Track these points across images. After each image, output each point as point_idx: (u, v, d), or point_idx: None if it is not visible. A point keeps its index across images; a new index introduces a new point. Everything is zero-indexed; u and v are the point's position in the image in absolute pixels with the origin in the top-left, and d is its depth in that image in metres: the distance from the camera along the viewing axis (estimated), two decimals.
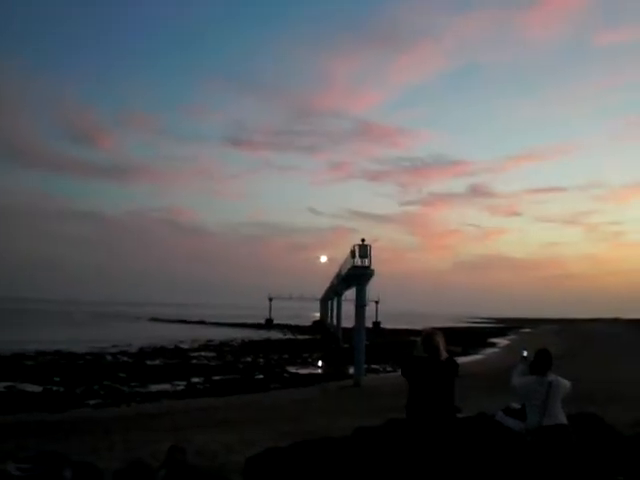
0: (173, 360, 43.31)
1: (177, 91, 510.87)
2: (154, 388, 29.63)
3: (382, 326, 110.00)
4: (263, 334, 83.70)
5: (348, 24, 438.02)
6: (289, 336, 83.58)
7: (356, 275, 33.50)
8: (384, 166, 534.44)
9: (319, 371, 41.04)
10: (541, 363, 7.09)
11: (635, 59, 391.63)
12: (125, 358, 43.94)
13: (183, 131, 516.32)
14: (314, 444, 8.14)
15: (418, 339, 6.76)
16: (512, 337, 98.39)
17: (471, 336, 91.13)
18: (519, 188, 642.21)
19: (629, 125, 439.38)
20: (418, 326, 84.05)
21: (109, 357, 44.27)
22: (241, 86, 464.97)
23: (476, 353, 59.36)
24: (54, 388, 28.52)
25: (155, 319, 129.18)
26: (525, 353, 7.53)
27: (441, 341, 6.60)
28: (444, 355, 6.55)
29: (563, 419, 6.88)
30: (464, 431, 6.90)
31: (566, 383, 7.06)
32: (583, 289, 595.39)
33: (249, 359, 45.94)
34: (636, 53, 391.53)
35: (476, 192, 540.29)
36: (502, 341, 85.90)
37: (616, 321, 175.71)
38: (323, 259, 75.42)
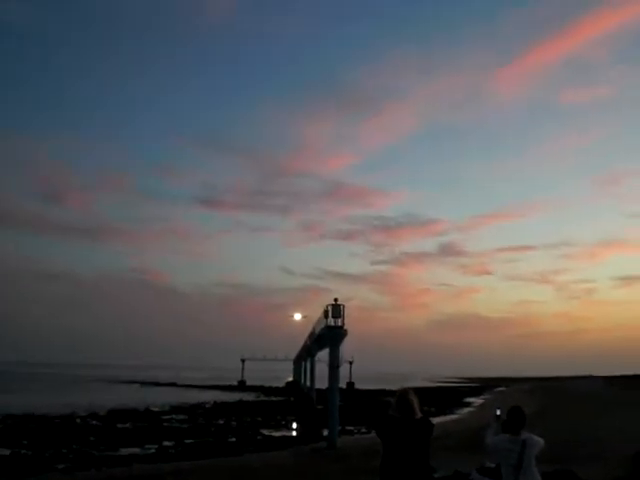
0: (144, 423, 42.50)
1: (151, 152, 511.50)
2: (125, 452, 29.02)
3: (356, 387, 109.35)
4: (236, 396, 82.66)
5: (318, 87, 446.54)
6: (262, 398, 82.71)
7: (329, 335, 33.35)
8: (356, 226, 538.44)
9: (293, 433, 40.56)
10: (514, 422, 7.13)
11: (603, 116, 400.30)
12: (95, 421, 43.10)
13: (156, 191, 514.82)
14: None
15: (392, 399, 6.78)
16: (487, 396, 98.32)
17: (446, 396, 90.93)
18: (489, 247, 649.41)
19: (597, 183, 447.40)
20: (393, 386, 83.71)
21: (79, 420, 43.41)
22: (213, 147, 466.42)
23: (451, 413, 59.24)
24: (22, 451, 27.86)
25: (127, 381, 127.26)
26: (498, 412, 7.57)
27: (415, 400, 6.62)
28: (418, 414, 6.57)
29: (538, 477, 6.90)
30: None
31: (540, 441, 7.10)
32: (556, 347, 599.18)
33: (222, 422, 45.27)
34: (601, 112, 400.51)
35: (447, 251, 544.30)
36: (477, 400, 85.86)
37: (590, 378, 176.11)
38: (297, 317, 74.87)
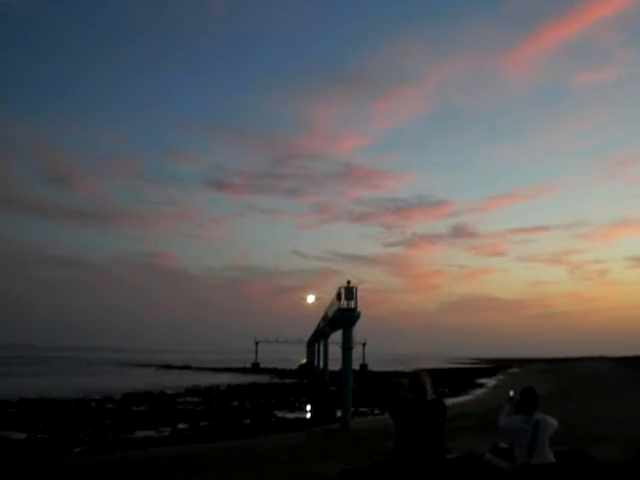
0: (158, 406, 42.80)
1: (159, 135, 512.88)
2: (139, 434, 29.23)
3: (369, 368, 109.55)
4: (250, 378, 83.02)
5: (329, 70, 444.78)
6: (276, 380, 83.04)
7: (342, 317, 33.37)
8: (368, 208, 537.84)
9: (307, 415, 40.71)
10: (527, 402, 7.11)
11: (613, 98, 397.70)
12: (110, 404, 43.41)
13: (165, 175, 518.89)
14: None
15: (405, 381, 6.76)
16: (500, 377, 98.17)
17: (459, 377, 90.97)
18: (502, 228, 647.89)
19: (610, 163, 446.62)
20: (406, 368, 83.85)
21: (93, 403, 43.70)
22: (223, 130, 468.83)
23: (465, 394, 59.27)
24: (38, 435, 28.07)
25: (141, 365, 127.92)
26: (512, 393, 7.56)
27: (428, 382, 6.60)
28: (431, 396, 6.55)
29: (551, 458, 6.89)
30: (453, 472, 6.87)
31: (553, 421, 7.08)
32: (568, 328, 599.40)
33: (236, 404, 45.48)
34: (614, 92, 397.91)
35: (460, 232, 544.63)
36: (490, 381, 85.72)
37: (602, 359, 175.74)
38: (310, 299, 74.74)
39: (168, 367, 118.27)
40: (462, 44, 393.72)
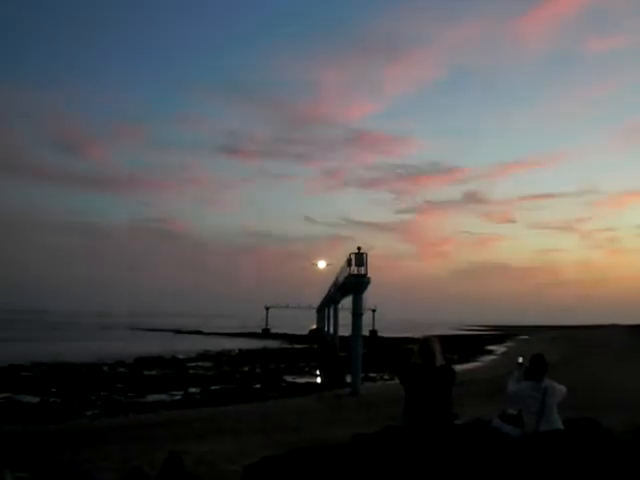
0: (170, 370, 43.24)
1: (169, 100, 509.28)
2: (151, 398, 29.59)
3: (379, 334, 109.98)
4: (260, 343, 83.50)
5: (339, 34, 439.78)
6: (286, 345, 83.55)
7: (352, 283, 33.47)
8: (378, 173, 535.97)
9: (316, 380, 41.01)
10: (536, 369, 7.12)
11: (627, 65, 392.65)
12: (122, 369, 43.89)
13: (175, 141, 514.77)
14: (311, 452, 8.14)
15: (415, 346, 6.77)
16: (509, 344, 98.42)
17: (468, 343, 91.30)
18: (513, 195, 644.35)
19: (622, 131, 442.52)
20: (415, 334, 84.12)
21: (106, 368, 44.12)
22: (234, 95, 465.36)
23: (474, 360, 59.51)
24: (51, 399, 28.43)
25: (150, 329, 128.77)
26: (521, 360, 7.56)
27: (437, 348, 6.60)
28: (440, 361, 6.56)
29: (559, 424, 6.91)
30: (461, 437, 6.90)
31: (562, 388, 7.09)
32: (579, 295, 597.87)
33: (246, 369, 45.88)
34: (628, 59, 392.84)
35: (471, 199, 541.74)
36: (499, 348, 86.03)
37: (613, 327, 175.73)
38: (321, 264, 74.87)
39: (180, 332, 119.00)
40: (476, 8, 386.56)
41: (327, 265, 69.77)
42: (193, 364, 49.30)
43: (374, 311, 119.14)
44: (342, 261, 38.20)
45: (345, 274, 35.76)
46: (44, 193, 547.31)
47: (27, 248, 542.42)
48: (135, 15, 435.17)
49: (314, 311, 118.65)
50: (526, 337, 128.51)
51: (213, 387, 33.79)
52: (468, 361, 57.20)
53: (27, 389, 31.04)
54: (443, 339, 7.70)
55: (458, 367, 38.65)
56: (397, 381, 7.22)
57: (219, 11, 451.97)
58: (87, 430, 19.83)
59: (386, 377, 40.14)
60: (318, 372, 45.71)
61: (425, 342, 6.63)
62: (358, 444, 8.29)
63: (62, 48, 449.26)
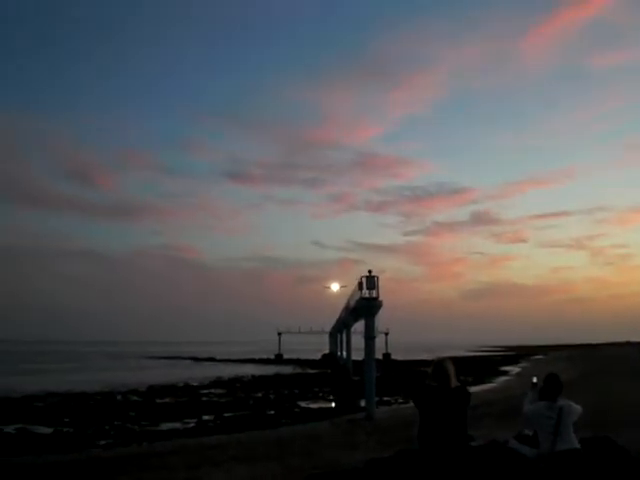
0: (183, 398, 43.13)
1: (175, 128, 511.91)
2: (165, 426, 29.52)
3: (392, 357, 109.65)
4: (273, 369, 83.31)
5: (343, 57, 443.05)
6: (299, 370, 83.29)
7: (364, 307, 33.36)
8: (386, 197, 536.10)
9: (330, 405, 40.80)
10: (551, 389, 7.09)
11: (631, 81, 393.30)
12: (135, 397, 43.80)
13: (183, 168, 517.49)
14: (326, 477, 8.10)
15: (429, 369, 6.76)
16: (524, 365, 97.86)
17: (483, 365, 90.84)
18: (523, 214, 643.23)
19: (630, 147, 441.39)
20: (429, 356, 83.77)
21: (119, 396, 44.08)
22: (239, 121, 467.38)
23: (488, 381, 59.17)
24: (64, 429, 28.37)
25: (162, 357, 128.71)
26: (535, 380, 7.54)
27: (451, 369, 6.60)
28: (455, 383, 6.55)
29: (575, 444, 6.86)
30: (477, 459, 6.86)
31: (577, 408, 7.05)
32: (592, 313, 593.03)
33: (260, 395, 45.74)
34: (632, 75, 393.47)
35: (480, 220, 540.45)
36: (514, 369, 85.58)
37: (628, 344, 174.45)
38: (334, 287, 74.71)
39: (197, 359, 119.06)
40: (480, 28, 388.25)
41: (340, 287, 69.55)
42: (206, 391, 49.17)
43: (387, 334, 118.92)
44: (352, 285, 38.19)
45: (357, 297, 35.69)
46: (53, 221, 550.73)
47: (37, 277, 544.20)
48: (144, 46, 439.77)
49: (326, 335, 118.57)
50: (540, 357, 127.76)
51: (227, 414, 33.66)
52: (483, 382, 56.83)
53: (40, 419, 31.00)
54: (457, 361, 7.68)
55: (473, 388, 38.37)
56: (411, 404, 7.20)
57: (227, 38, 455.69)
58: (101, 460, 19.76)
59: (400, 400, 39.89)
60: (332, 397, 45.46)
61: (439, 364, 6.62)
62: (373, 469, 8.24)
63: (73, 78, 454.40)
